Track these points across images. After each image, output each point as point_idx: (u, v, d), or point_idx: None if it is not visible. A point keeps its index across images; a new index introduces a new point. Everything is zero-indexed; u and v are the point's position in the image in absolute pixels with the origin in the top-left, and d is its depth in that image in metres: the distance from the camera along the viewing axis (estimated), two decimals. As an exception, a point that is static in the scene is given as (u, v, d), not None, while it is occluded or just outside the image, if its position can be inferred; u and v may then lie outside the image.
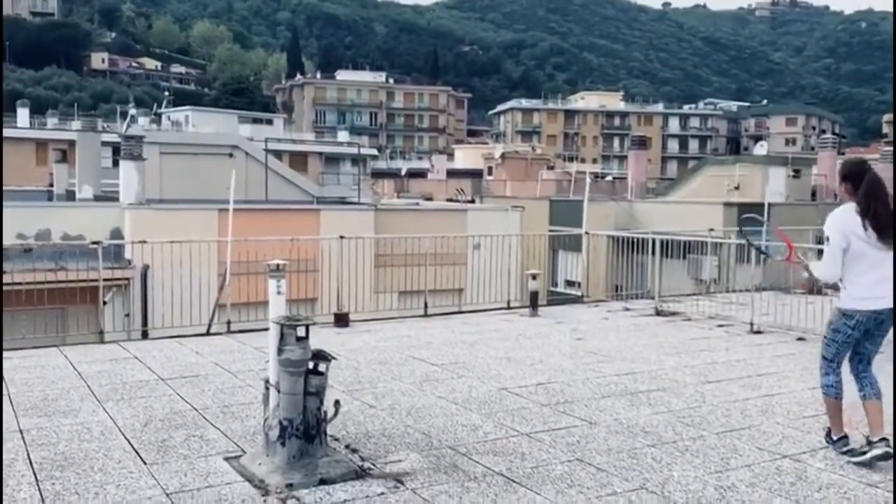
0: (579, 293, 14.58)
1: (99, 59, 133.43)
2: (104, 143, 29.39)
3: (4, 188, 19.10)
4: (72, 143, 28.64)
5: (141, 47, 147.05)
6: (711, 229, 15.93)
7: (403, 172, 64.80)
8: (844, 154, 60.67)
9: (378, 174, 62.46)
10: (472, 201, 34.87)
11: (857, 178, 5.22)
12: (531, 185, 46.99)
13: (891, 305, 5.18)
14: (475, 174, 60.14)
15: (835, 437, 5.54)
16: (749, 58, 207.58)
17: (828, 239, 5.22)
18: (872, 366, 5.47)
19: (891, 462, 5.08)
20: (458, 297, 14.23)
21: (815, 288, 14.19)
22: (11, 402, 6.60)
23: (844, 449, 5.46)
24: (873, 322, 5.25)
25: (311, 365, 5.02)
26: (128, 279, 15.20)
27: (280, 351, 4.97)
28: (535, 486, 4.86)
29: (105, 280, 11.01)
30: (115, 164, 24.12)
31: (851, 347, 5.38)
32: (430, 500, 4.63)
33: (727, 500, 4.69)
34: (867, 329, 5.29)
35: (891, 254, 5.13)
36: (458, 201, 34.65)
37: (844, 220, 5.20)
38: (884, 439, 5.25)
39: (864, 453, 5.28)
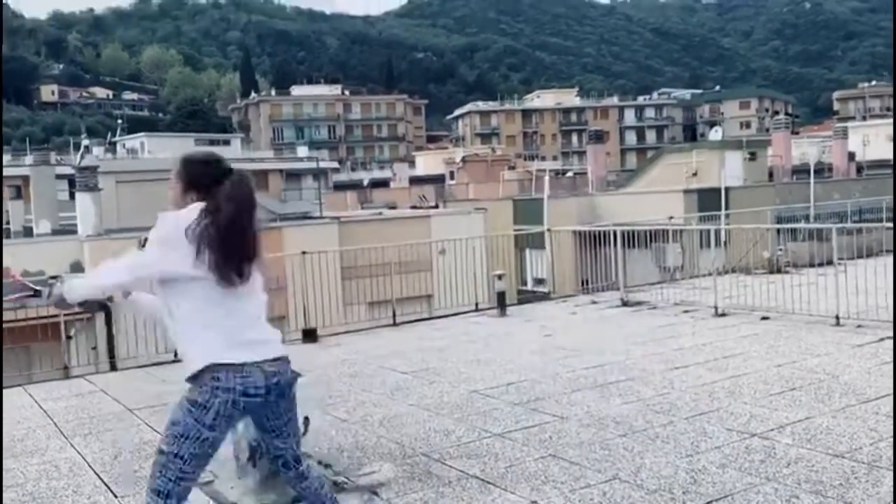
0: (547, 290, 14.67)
1: (49, 92, 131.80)
2: (59, 177, 29.08)
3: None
4: (26, 178, 28.25)
5: (91, 76, 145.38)
6: (671, 217, 16.15)
7: (366, 183, 64.62)
8: (798, 133, 61.62)
9: (340, 186, 62.23)
10: (436, 206, 34.95)
11: (203, 183, 3.16)
12: (493, 186, 47.10)
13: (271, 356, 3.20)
14: (438, 179, 60.15)
15: None
16: (699, 45, 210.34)
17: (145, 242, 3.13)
18: (304, 465, 3.46)
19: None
20: (426, 303, 14.25)
21: (776, 267, 14.44)
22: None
23: None
24: (253, 393, 3.12)
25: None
26: (91, 312, 14.99)
27: (244, 372, 4.92)
28: (510, 486, 4.88)
29: (66, 315, 10.83)
30: (72, 196, 23.79)
31: (211, 451, 3.28)
32: (405, 508, 4.62)
33: (699, 483, 4.74)
34: (246, 409, 3.17)
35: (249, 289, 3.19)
36: (421, 208, 34.70)
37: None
38: None
39: None
